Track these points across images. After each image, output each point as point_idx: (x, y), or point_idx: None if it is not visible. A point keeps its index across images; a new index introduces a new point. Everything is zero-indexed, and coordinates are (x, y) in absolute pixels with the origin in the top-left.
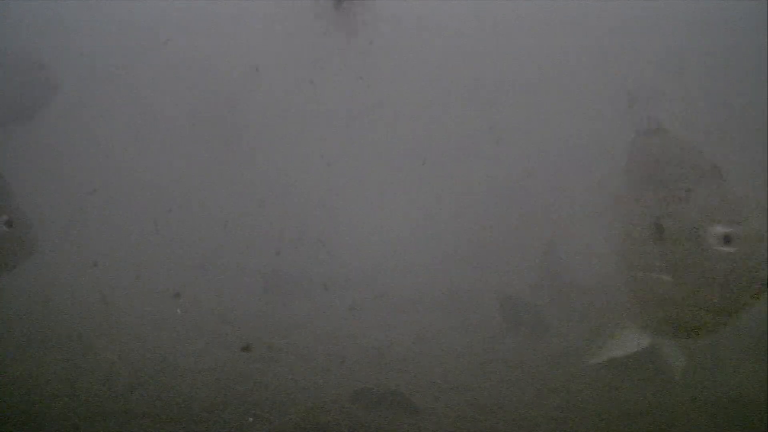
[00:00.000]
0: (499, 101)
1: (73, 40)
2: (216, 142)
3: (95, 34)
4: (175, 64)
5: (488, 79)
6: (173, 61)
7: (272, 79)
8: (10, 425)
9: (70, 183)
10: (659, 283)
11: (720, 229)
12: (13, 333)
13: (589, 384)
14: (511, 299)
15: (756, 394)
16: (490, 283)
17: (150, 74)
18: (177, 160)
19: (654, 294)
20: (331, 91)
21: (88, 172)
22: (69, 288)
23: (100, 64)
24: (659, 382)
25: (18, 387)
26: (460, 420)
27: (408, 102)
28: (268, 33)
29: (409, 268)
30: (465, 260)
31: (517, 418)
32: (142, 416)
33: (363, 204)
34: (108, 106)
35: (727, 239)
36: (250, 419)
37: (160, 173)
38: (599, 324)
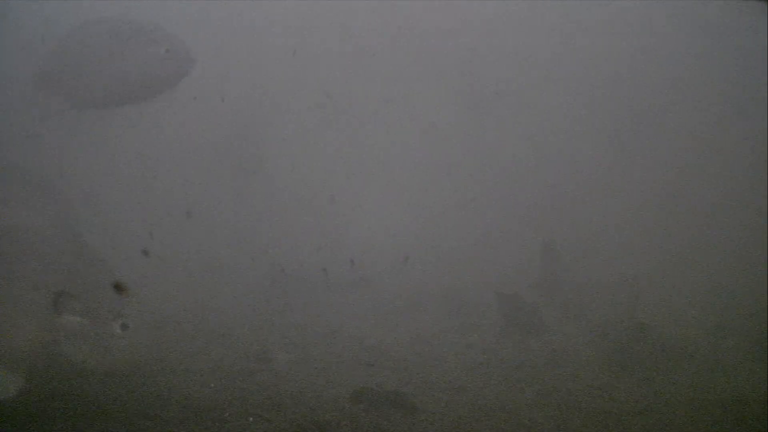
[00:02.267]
0: (498, 99)
1: None
2: (220, 143)
3: None
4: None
5: (486, 78)
6: None
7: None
8: (9, 425)
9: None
10: None
11: None
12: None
13: (588, 383)
14: (510, 299)
15: (756, 394)
16: (490, 283)
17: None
18: (181, 161)
19: None
20: (327, 88)
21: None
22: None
23: None
24: (660, 381)
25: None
26: (459, 420)
27: (406, 101)
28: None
29: (407, 267)
30: (464, 260)
31: (517, 418)
32: (142, 416)
33: (362, 203)
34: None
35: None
36: (250, 419)
37: (164, 173)
38: (596, 324)
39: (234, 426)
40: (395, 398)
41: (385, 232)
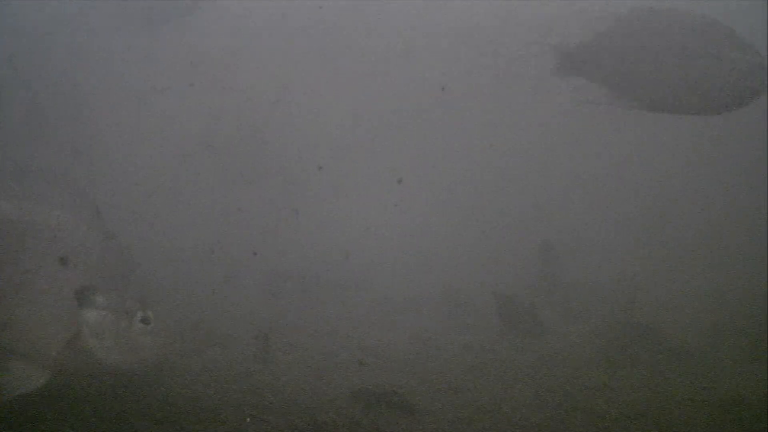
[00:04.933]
0: (495, 99)
1: None
2: (219, 139)
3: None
4: None
5: (486, 77)
6: None
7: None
8: (8, 425)
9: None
10: None
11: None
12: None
13: (586, 384)
14: (508, 299)
15: (756, 394)
16: (487, 284)
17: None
18: (177, 155)
19: None
20: (325, 89)
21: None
22: None
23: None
24: (659, 381)
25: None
26: (457, 420)
27: (405, 100)
28: None
29: (406, 268)
30: (462, 260)
31: (515, 418)
32: (140, 416)
33: (360, 204)
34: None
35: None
36: (248, 419)
37: (166, 164)
38: (594, 324)
39: (231, 426)
40: (393, 398)
41: (384, 233)
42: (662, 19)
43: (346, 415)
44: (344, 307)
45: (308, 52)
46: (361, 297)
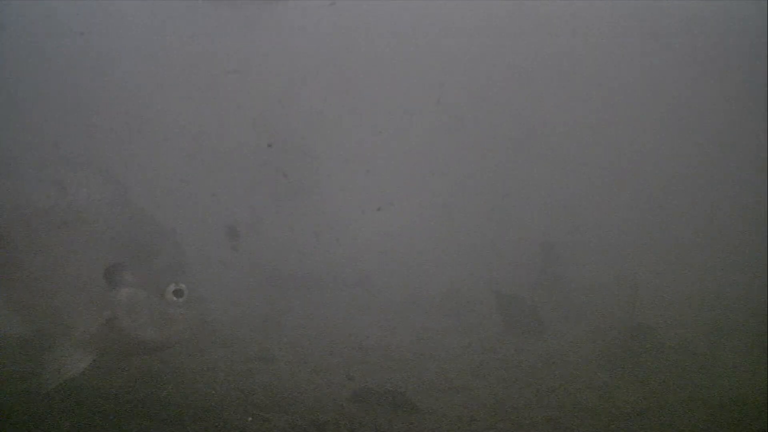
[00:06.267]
0: (497, 100)
1: None
2: (219, 141)
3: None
4: None
5: (487, 77)
6: None
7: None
8: (8, 425)
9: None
10: None
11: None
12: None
13: (587, 384)
14: (509, 299)
15: (756, 394)
16: (489, 284)
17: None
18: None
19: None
20: (327, 89)
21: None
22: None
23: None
24: (659, 381)
25: (17, 386)
26: (458, 420)
27: (406, 102)
28: None
29: (407, 268)
30: (463, 260)
31: (516, 417)
32: (141, 416)
33: (362, 204)
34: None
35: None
36: (249, 419)
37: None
38: (595, 324)
39: (233, 426)
40: (394, 398)
41: (385, 233)
42: None
43: (348, 415)
44: (345, 307)
45: (313, 51)
46: (364, 297)
